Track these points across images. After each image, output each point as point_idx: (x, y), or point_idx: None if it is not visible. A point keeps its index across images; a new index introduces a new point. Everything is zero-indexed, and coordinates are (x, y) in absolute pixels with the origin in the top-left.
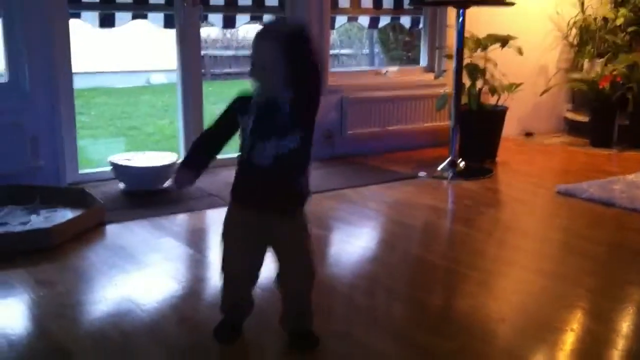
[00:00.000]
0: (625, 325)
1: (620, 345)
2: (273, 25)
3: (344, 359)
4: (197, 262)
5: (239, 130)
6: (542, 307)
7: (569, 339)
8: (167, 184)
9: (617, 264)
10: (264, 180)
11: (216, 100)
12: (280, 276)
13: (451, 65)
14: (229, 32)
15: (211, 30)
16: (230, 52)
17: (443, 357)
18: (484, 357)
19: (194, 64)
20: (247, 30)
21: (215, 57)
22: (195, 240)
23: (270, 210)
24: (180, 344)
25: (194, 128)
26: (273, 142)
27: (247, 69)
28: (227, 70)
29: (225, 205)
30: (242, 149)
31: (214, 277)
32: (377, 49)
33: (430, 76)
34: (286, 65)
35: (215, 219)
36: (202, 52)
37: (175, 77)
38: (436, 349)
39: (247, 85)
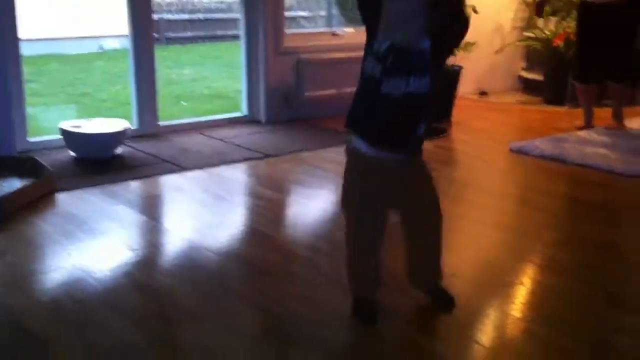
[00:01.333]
0: (578, 278)
1: (572, 298)
2: None
3: (306, 321)
4: (151, 229)
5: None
6: (497, 260)
7: (521, 292)
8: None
9: (570, 217)
10: (392, 110)
11: (172, 65)
12: (409, 228)
13: None
14: None
15: None
16: (185, 16)
17: (402, 314)
18: (440, 312)
19: (145, 29)
20: None
21: (170, 21)
22: (149, 207)
23: (395, 148)
24: (136, 312)
25: (147, 94)
26: (405, 80)
27: (204, 33)
28: (183, 34)
29: (180, 171)
30: (370, 78)
31: (170, 244)
32: (335, 10)
33: None
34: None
35: (170, 185)
36: (157, 16)
37: (127, 43)
38: (395, 306)
39: (203, 50)
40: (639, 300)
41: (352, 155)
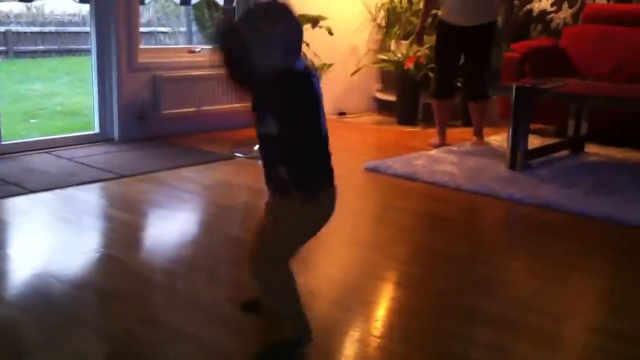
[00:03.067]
0: (430, 291)
1: (424, 313)
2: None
3: (159, 345)
4: None
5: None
6: (355, 278)
7: (379, 310)
8: None
9: (422, 232)
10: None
11: (22, 79)
12: None
13: None
14: (34, 7)
15: (14, 5)
16: (36, 29)
17: (258, 335)
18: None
19: None
20: (54, 5)
21: (19, 33)
22: None
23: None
24: None
25: None
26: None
27: (56, 46)
28: (34, 47)
29: (26, 193)
30: (311, 124)
31: (14, 272)
32: (193, 27)
33: None
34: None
35: (14, 209)
36: (3, 28)
37: None
38: (255, 327)
39: (55, 64)
40: (491, 311)
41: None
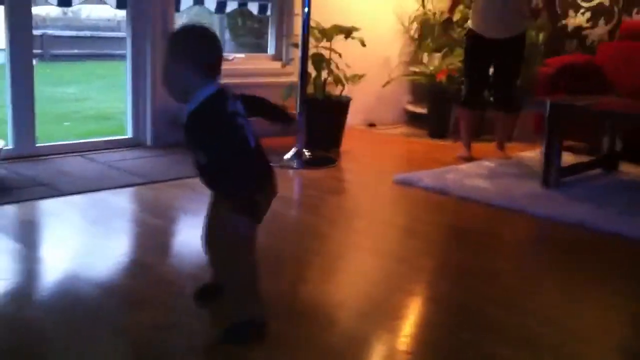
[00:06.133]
0: (458, 306)
1: (450, 324)
2: None
3: (184, 352)
4: (24, 258)
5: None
6: (382, 290)
7: (406, 323)
8: None
9: (451, 247)
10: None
11: (57, 82)
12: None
13: (298, 54)
14: (70, 12)
15: (51, 9)
16: (71, 32)
17: (289, 345)
18: (326, 344)
19: (25, 44)
20: (90, 10)
21: (55, 36)
22: (23, 234)
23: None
24: (4, 347)
25: (25, 112)
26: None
27: (91, 50)
28: (69, 51)
29: (58, 195)
30: (236, 148)
31: (43, 273)
32: (227, 35)
33: (277, 64)
34: None
35: (47, 210)
36: (40, 32)
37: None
38: (281, 337)
39: (89, 68)
40: (517, 329)
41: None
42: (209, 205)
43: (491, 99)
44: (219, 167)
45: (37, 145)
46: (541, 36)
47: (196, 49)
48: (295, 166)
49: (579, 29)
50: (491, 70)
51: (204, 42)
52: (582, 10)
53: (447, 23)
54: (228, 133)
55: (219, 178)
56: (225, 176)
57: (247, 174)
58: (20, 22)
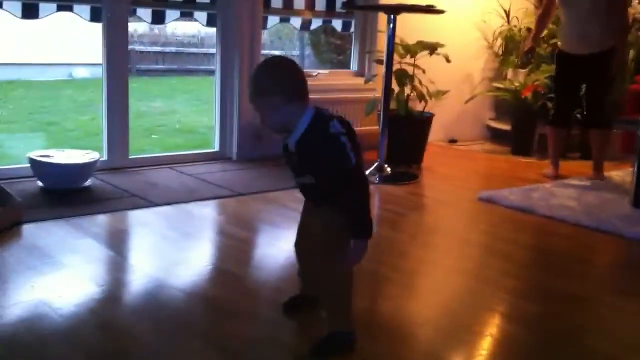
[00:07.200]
0: (543, 329)
1: (536, 348)
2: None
3: None
4: (116, 265)
5: None
6: (463, 309)
7: (488, 342)
8: None
9: (536, 268)
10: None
11: (143, 96)
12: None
13: (381, 70)
14: (156, 28)
15: (138, 25)
16: (157, 48)
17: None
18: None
19: (120, 59)
20: (175, 26)
21: (141, 52)
22: (116, 242)
23: None
24: (98, 350)
25: (119, 125)
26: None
27: (175, 66)
28: (154, 66)
29: (149, 206)
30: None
31: (134, 281)
32: (307, 50)
33: (360, 80)
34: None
35: (138, 220)
36: (129, 47)
37: (99, 72)
38: (364, 352)
39: (173, 83)
40: (605, 355)
41: None
42: (302, 212)
43: (578, 116)
44: (330, 188)
45: (130, 157)
46: (631, 52)
47: (284, 79)
48: (376, 181)
49: None
50: (583, 87)
51: (289, 70)
52: None
53: (529, 53)
54: (336, 154)
55: (331, 198)
56: (338, 197)
57: (363, 196)
58: (116, 38)
